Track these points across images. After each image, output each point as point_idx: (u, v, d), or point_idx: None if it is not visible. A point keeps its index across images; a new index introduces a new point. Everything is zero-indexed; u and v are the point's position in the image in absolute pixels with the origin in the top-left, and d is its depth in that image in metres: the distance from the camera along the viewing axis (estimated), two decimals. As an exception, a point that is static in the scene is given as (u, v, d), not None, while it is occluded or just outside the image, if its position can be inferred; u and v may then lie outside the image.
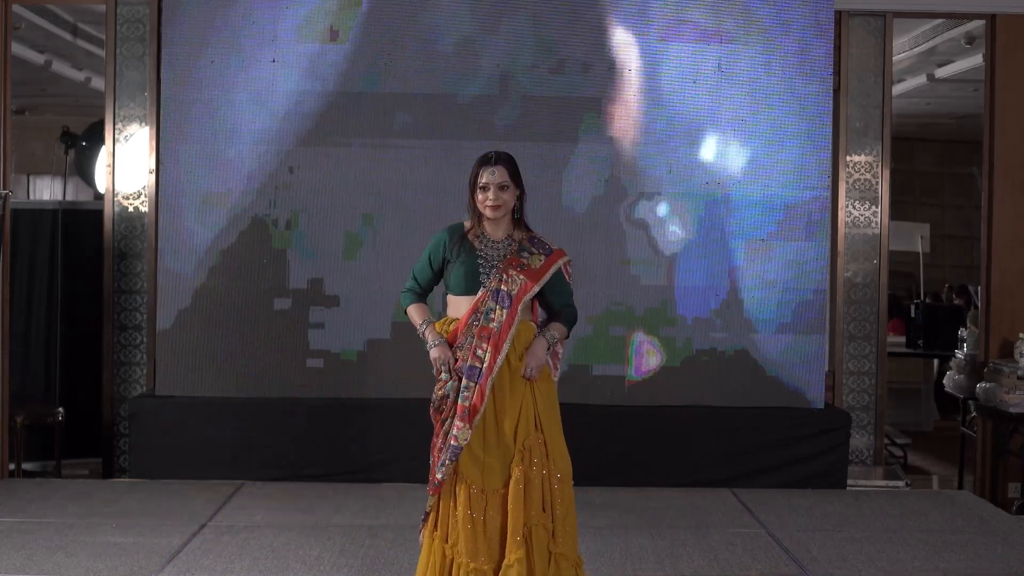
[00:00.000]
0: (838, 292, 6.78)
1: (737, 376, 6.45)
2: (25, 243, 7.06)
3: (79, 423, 6.84)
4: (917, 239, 10.78)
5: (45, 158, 12.29)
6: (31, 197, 12.95)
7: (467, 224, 3.99)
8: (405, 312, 4.05)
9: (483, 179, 3.85)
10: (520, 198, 3.96)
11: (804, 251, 6.49)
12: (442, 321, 3.98)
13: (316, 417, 6.32)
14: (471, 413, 3.77)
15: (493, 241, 3.92)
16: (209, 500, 5.79)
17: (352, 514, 5.59)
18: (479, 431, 3.79)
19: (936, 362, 9.73)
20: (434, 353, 3.87)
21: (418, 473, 6.18)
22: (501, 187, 3.85)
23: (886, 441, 7.34)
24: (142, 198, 6.73)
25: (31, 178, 13.24)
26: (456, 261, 3.91)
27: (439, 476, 3.78)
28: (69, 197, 12.01)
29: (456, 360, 3.84)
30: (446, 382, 3.83)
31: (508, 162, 3.91)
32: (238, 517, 5.50)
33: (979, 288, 7.08)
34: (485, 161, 3.89)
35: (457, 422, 3.78)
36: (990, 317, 6.77)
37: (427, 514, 3.89)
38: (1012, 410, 6.33)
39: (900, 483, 6.69)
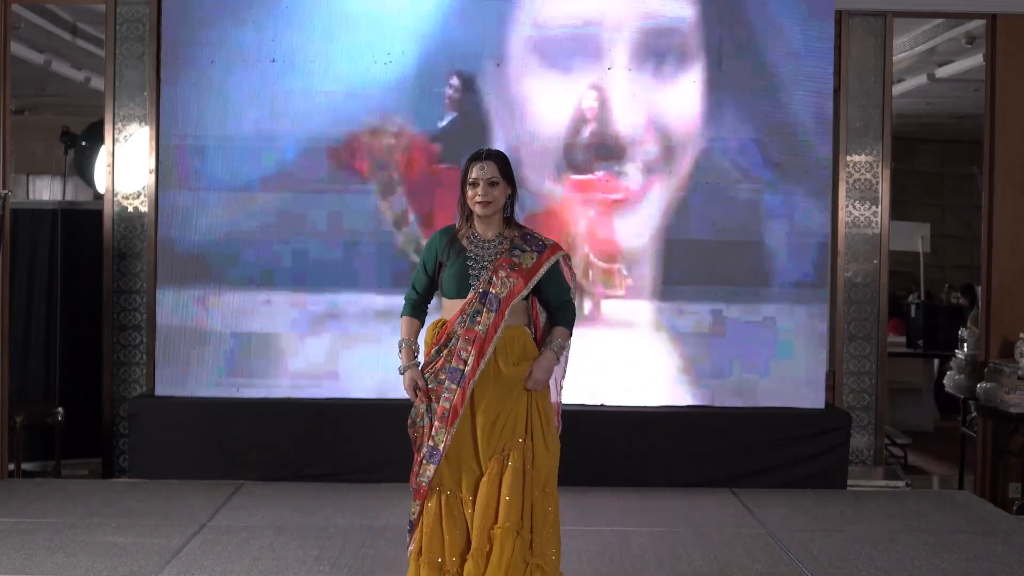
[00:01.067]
0: (838, 292, 6.78)
1: (737, 376, 6.45)
2: (25, 243, 7.05)
3: (79, 423, 6.83)
4: (917, 239, 10.79)
5: (45, 158, 12.29)
6: (30, 197, 12.95)
7: (458, 224, 3.94)
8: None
9: (473, 174, 3.81)
10: (511, 196, 3.91)
11: (804, 251, 6.49)
12: (433, 323, 3.93)
13: (316, 417, 6.31)
14: (451, 416, 3.74)
15: (484, 240, 3.86)
16: (209, 500, 5.79)
17: (352, 514, 5.58)
18: (456, 436, 3.76)
19: (936, 362, 9.72)
20: (404, 381, 3.87)
21: (418, 473, 6.22)
22: (491, 183, 3.80)
23: (886, 441, 7.34)
24: (142, 198, 6.73)
25: (30, 178, 13.24)
26: (447, 263, 3.86)
27: (420, 480, 3.77)
28: (69, 197, 12.01)
29: (430, 384, 3.82)
30: (418, 405, 3.83)
31: (499, 159, 3.87)
32: (238, 517, 5.50)
33: (978, 288, 7.07)
34: (475, 157, 3.85)
35: (436, 423, 3.76)
36: (990, 317, 6.76)
37: (412, 524, 3.85)
38: (1012, 410, 6.33)
39: (900, 483, 6.69)
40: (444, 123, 6.48)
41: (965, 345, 7.44)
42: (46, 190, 13.21)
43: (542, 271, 3.84)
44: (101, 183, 7.23)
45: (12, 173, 6.82)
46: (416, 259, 6.34)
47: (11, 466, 6.54)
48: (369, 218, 6.47)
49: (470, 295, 3.80)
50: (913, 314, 9.60)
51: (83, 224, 7.08)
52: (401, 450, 6.20)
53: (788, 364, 6.46)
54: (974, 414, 6.97)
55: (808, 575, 4.69)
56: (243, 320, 6.44)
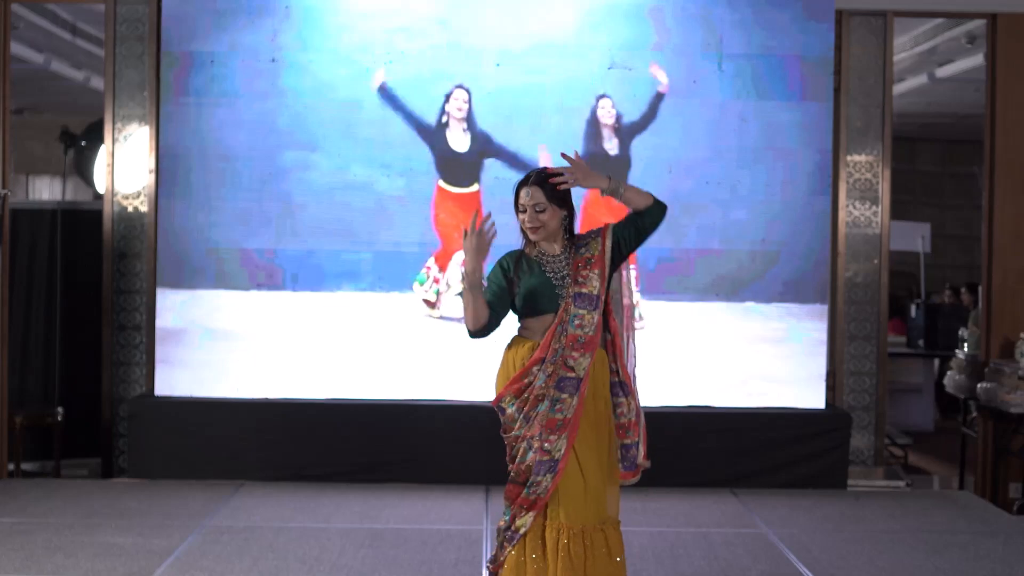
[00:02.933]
0: (838, 292, 6.77)
1: (737, 376, 6.45)
2: (24, 243, 7.05)
3: (78, 423, 6.83)
4: (917, 239, 10.76)
5: (44, 158, 12.28)
6: (30, 197, 12.95)
7: (524, 244, 3.75)
8: (472, 334, 3.63)
9: (521, 200, 3.68)
10: (568, 218, 3.72)
11: (804, 251, 6.49)
12: (521, 342, 3.67)
13: (316, 417, 6.31)
14: (572, 427, 3.56)
15: (553, 256, 3.70)
16: (209, 500, 5.79)
17: (352, 515, 5.58)
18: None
19: (936, 362, 9.72)
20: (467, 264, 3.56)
21: (418, 474, 6.22)
22: (537, 209, 3.64)
23: (887, 441, 7.34)
24: (141, 198, 6.72)
25: (30, 178, 13.24)
26: (525, 282, 3.67)
27: (537, 492, 3.54)
28: (69, 197, 12.01)
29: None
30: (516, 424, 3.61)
31: (547, 184, 3.66)
32: (238, 517, 5.49)
33: (979, 288, 7.06)
34: (523, 182, 3.70)
35: (550, 436, 3.54)
36: (991, 317, 6.76)
37: (511, 534, 3.58)
38: (1013, 410, 6.32)
39: (901, 483, 6.69)
40: (443, 123, 6.48)
41: (965, 345, 7.44)
42: (46, 190, 13.21)
43: (608, 242, 3.69)
44: (101, 183, 7.22)
45: (12, 173, 6.81)
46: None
47: (11, 466, 6.54)
48: (369, 219, 6.47)
49: (563, 304, 3.64)
50: (913, 314, 9.60)
51: (83, 224, 7.07)
52: (401, 450, 6.26)
53: (788, 364, 6.46)
54: (974, 414, 6.97)
55: (808, 575, 4.68)
56: (243, 320, 6.44)
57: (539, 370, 3.59)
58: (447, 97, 6.45)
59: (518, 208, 3.70)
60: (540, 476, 3.54)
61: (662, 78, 6.44)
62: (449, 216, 6.43)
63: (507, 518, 3.61)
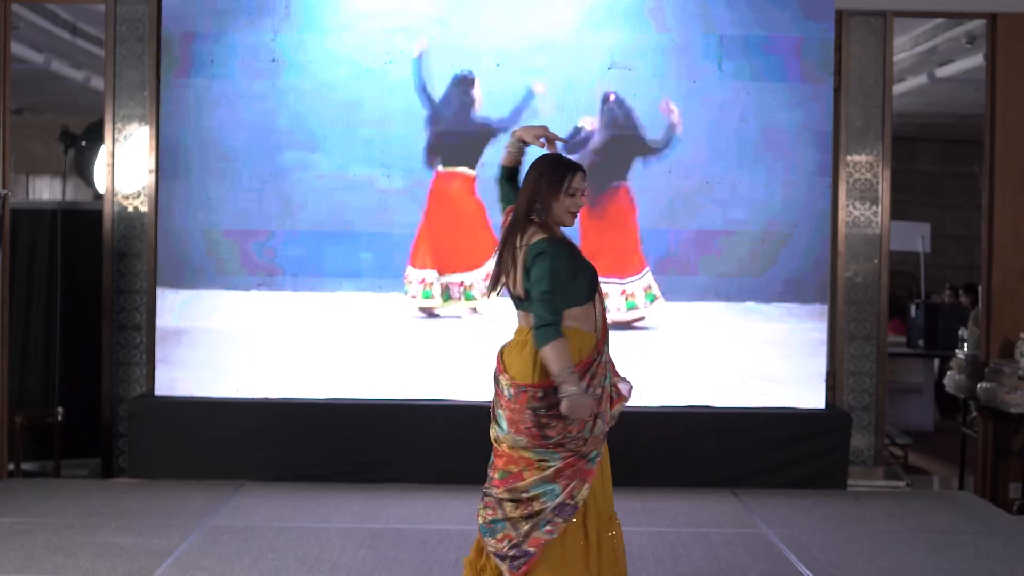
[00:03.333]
0: (838, 292, 6.78)
1: (737, 376, 6.45)
2: (24, 243, 7.05)
3: (78, 423, 6.83)
4: (917, 239, 10.76)
5: (44, 158, 12.30)
6: (30, 197, 12.96)
7: (549, 232, 3.60)
8: (546, 347, 3.42)
9: (576, 184, 3.62)
10: None
11: (804, 251, 6.49)
12: (587, 333, 3.59)
13: (316, 417, 6.31)
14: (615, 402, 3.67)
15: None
16: (209, 500, 5.79)
17: (352, 515, 5.58)
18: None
19: (936, 362, 9.72)
20: (585, 410, 3.44)
21: (418, 474, 6.22)
22: (584, 194, 3.67)
23: (887, 441, 7.34)
24: (142, 198, 6.73)
25: (30, 178, 13.25)
26: (588, 274, 3.63)
27: (599, 460, 3.57)
28: (69, 197, 12.01)
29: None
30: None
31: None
32: (238, 517, 5.50)
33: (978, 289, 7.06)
34: (574, 166, 3.65)
35: (599, 420, 3.58)
36: (991, 317, 6.76)
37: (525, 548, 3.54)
38: (1013, 410, 6.32)
39: (901, 483, 6.69)
40: (444, 123, 6.49)
41: (965, 345, 7.44)
42: (46, 190, 13.22)
43: None
44: (101, 183, 7.22)
45: (12, 173, 6.81)
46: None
47: (11, 466, 6.54)
48: (369, 216, 6.47)
49: (598, 284, 3.69)
50: (913, 314, 9.60)
51: (83, 224, 7.07)
52: (401, 450, 6.26)
53: (788, 364, 6.46)
54: (974, 414, 6.97)
55: (808, 575, 4.69)
56: (243, 320, 6.44)
57: (599, 356, 3.60)
58: (471, 83, 6.44)
59: (563, 191, 3.59)
60: (602, 444, 3.62)
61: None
62: (442, 195, 6.45)
63: (552, 499, 3.50)
